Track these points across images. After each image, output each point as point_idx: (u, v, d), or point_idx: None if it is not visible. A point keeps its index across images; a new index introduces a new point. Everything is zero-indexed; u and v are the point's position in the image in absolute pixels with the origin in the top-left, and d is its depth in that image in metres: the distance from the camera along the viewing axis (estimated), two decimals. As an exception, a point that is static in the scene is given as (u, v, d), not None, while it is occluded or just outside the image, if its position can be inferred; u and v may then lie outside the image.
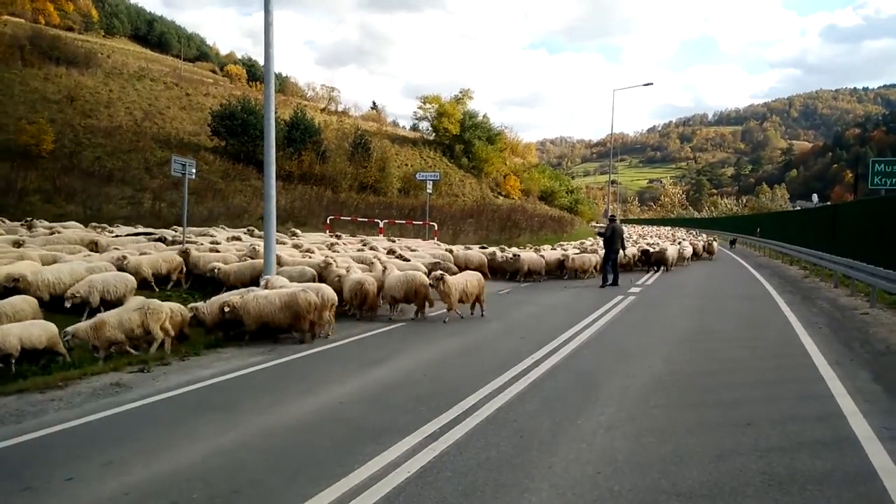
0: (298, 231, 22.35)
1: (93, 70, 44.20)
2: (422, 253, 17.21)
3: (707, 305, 13.18)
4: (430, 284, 10.68)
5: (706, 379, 6.91)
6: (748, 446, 4.80)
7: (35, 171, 26.40)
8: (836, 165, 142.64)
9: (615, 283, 16.14)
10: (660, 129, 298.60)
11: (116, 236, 16.41)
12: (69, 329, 7.42)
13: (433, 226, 28.54)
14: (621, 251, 17.06)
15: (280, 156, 31.17)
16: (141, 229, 19.23)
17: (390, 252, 16.33)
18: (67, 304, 9.25)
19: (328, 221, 28.36)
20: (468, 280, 11.16)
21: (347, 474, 4.25)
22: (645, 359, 7.88)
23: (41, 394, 6.26)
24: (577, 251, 20.86)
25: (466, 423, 5.32)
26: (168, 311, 8.13)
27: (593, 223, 67.65)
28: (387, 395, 6.22)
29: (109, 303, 9.64)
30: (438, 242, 23.62)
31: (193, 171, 14.72)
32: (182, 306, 8.74)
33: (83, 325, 7.56)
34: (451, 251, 17.90)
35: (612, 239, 16.60)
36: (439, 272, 10.86)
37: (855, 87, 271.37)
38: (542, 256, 18.57)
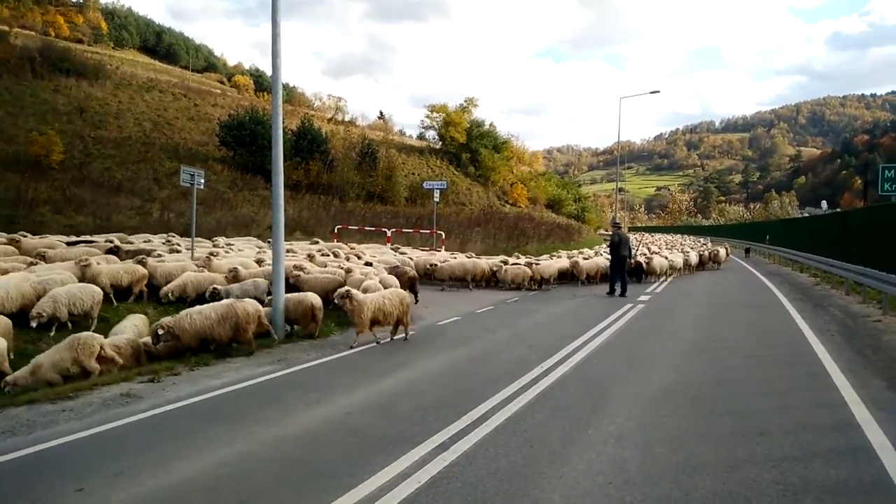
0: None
1: (102, 81, 44.63)
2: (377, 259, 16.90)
3: (717, 314, 13.10)
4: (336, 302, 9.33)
5: (717, 388, 6.85)
6: (761, 456, 4.75)
7: (45, 182, 26.62)
8: (844, 172, 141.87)
9: (623, 293, 15.68)
10: (667, 136, 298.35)
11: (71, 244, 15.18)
12: (9, 378, 7.04)
13: (440, 234, 28.55)
14: (629, 259, 16.82)
15: (287, 165, 31.33)
16: (85, 238, 18.37)
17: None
18: (33, 324, 8.87)
19: (336, 231, 28.42)
20: (387, 298, 9.55)
21: (357, 485, 4.23)
22: (654, 368, 7.83)
23: (52, 404, 6.27)
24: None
25: (476, 432, 5.29)
26: (100, 344, 7.59)
27: (601, 231, 67.57)
28: (395, 405, 6.20)
29: (77, 316, 9.54)
30: (396, 248, 23.39)
31: (202, 181, 14.79)
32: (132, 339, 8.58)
33: (21, 373, 7.14)
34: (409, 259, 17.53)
35: (619, 247, 16.28)
36: (344, 290, 9.39)
37: (863, 94, 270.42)
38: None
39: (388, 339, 9.69)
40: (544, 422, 5.61)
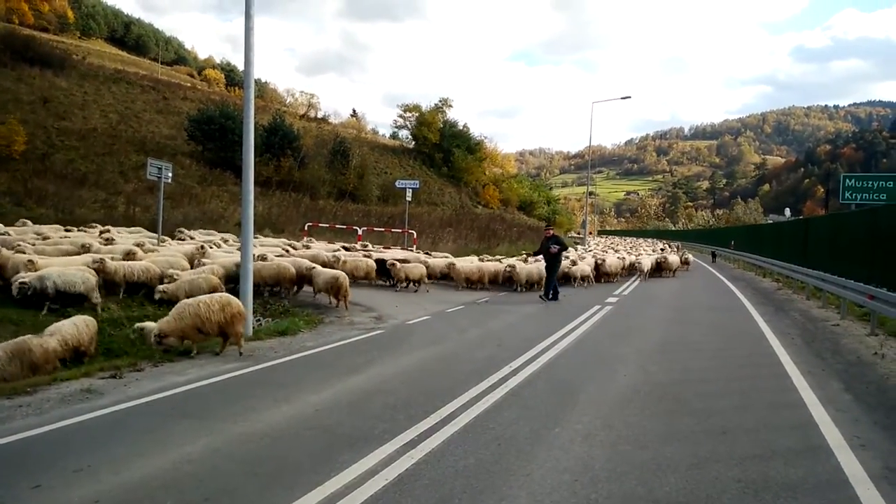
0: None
1: (67, 71, 43.57)
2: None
3: (683, 316, 13.32)
4: None
5: (682, 388, 6.97)
6: (724, 454, 4.84)
7: (5, 173, 25.88)
8: (807, 180, 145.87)
9: (548, 296, 14.87)
10: (637, 142, 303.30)
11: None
12: None
13: (412, 234, 28.52)
14: (563, 262, 16.10)
15: (258, 161, 30.92)
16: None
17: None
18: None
19: (306, 228, 28.18)
20: (202, 303, 8.28)
21: (323, 482, 4.19)
22: (621, 368, 7.93)
23: (8, 400, 6.09)
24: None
25: (444, 430, 5.29)
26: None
27: (571, 233, 68.17)
28: (364, 403, 6.17)
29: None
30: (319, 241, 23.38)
31: (170, 174, 14.56)
32: None
33: None
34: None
35: (551, 249, 15.37)
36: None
37: (826, 105, 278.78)
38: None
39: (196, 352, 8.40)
40: (512, 420, 5.64)
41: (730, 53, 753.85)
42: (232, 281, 12.12)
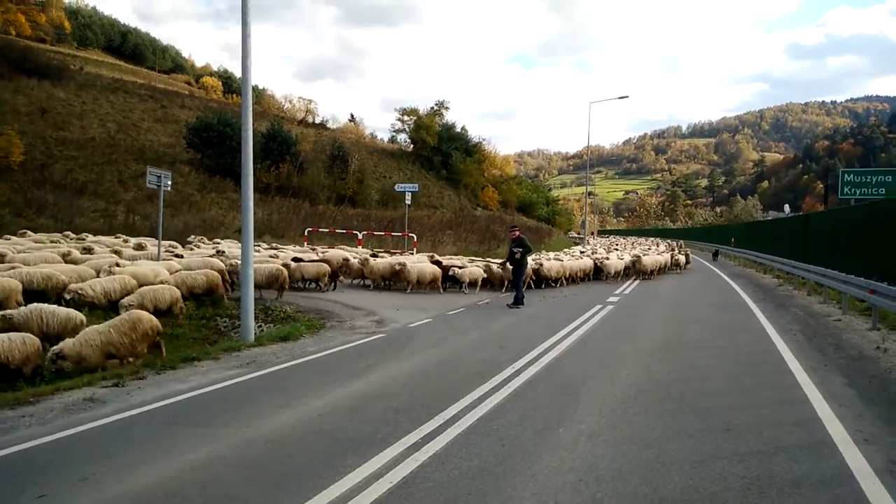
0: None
1: (65, 82, 43.65)
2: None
3: (684, 315, 13.31)
4: None
5: (685, 386, 6.96)
6: (727, 451, 4.84)
7: (4, 184, 25.93)
8: (806, 177, 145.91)
9: (520, 302, 13.92)
10: (635, 141, 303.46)
11: None
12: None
13: (412, 237, 28.52)
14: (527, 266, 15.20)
15: (257, 168, 30.97)
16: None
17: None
18: None
19: (306, 233, 28.19)
20: (113, 327, 8.14)
21: (327, 486, 4.19)
22: (624, 367, 7.92)
23: (11, 410, 6.09)
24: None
25: (448, 433, 5.29)
26: None
27: (571, 233, 68.24)
28: (367, 407, 6.16)
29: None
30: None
31: (169, 183, 14.55)
32: None
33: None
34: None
35: (519, 252, 14.49)
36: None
37: (823, 101, 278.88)
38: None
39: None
40: (516, 421, 5.64)
41: (725, 52, 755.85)
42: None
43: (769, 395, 6.64)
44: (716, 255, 37.55)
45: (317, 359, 8.61)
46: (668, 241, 48.86)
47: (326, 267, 16.36)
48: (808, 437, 5.22)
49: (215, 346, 9.94)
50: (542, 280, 18.48)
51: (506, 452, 4.85)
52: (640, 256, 21.14)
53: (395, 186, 34.12)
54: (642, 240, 61.90)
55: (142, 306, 10.42)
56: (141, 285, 11.61)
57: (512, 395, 6.52)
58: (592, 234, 67.50)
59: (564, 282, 19.20)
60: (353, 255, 19.82)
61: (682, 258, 26.64)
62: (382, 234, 30.87)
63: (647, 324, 11.79)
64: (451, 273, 16.79)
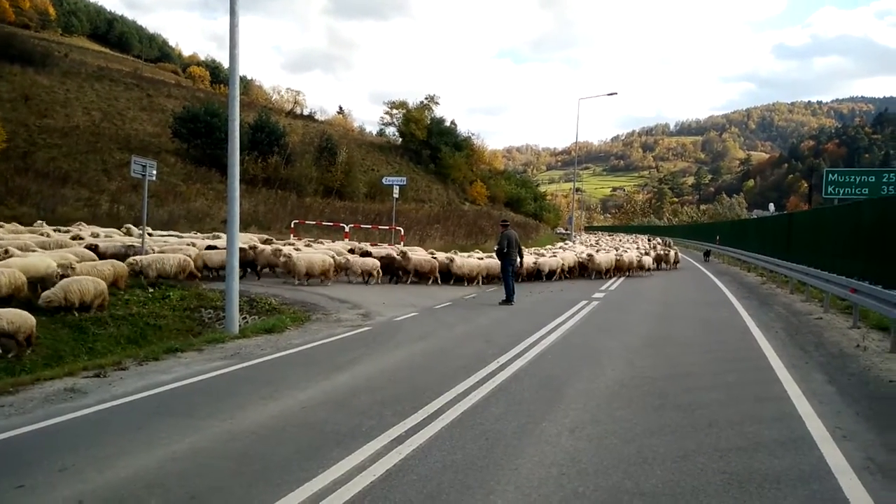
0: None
1: (49, 69, 43.01)
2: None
3: (668, 311, 13.41)
4: None
5: (668, 382, 7.01)
6: (709, 447, 4.89)
7: (-14, 172, 25.53)
8: (791, 176, 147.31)
9: (510, 299, 13.73)
10: (623, 138, 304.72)
11: None
12: None
13: (399, 230, 28.47)
14: (518, 261, 14.60)
15: (244, 159, 30.77)
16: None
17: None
18: None
19: (292, 225, 28.05)
20: None
21: (310, 479, 4.18)
22: (608, 362, 7.97)
23: (-10, 400, 6.01)
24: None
25: (432, 426, 5.29)
26: None
27: (559, 229, 68.45)
28: (351, 399, 6.15)
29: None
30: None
31: (154, 172, 14.39)
32: None
33: None
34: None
35: (509, 250, 14.17)
36: None
37: (809, 101, 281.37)
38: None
39: None
40: (500, 415, 5.65)
41: (713, 51, 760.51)
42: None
43: (751, 391, 6.71)
44: (707, 255, 34.98)
45: (301, 351, 8.58)
46: (658, 238, 48.87)
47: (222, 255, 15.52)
48: (788, 433, 5.28)
49: (199, 337, 9.90)
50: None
51: (490, 446, 4.86)
52: (592, 255, 20.70)
53: (383, 180, 34.02)
54: (633, 236, 62.11)
55: (66, 300, 10.27)
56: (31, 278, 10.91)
57: (496, 390, 6.53)
58: (580, 231, 67.76)
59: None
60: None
61: (672, 254, 26.57)
62: (370, 227, 30.79)
63: (631, 320, 11.85)
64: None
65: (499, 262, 15.35)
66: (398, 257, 16.89)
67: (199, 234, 21.78)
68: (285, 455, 4.65)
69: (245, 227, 24.50)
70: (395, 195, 28.77)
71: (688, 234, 57.14)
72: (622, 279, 20.83)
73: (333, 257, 16.47)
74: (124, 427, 5.30)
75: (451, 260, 17.61)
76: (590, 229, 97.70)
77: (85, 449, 4.76)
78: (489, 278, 17.84)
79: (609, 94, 48.81)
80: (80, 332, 10.04)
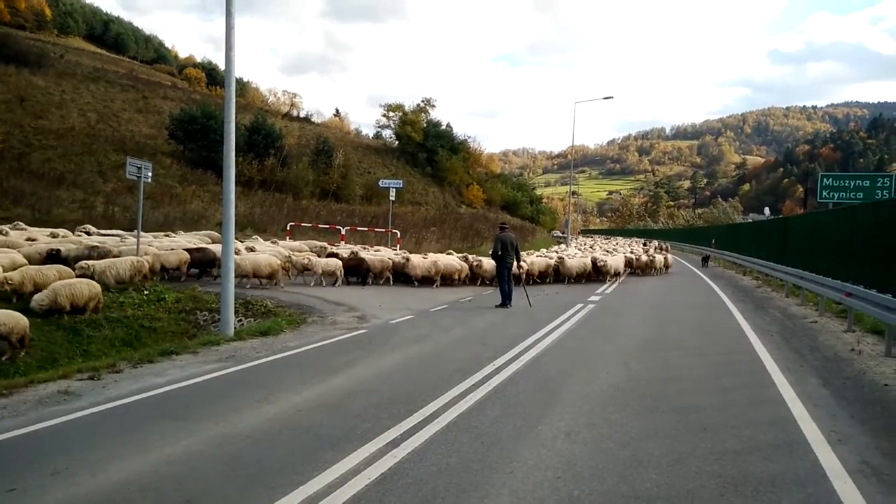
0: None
1: (45, 70, 42.87)
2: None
3: (664, 315, 13.42)
4: None
5: (663, 385, 7.02)
6: (704, 450, 4.89)
7: (-20, 173, 25.41)
8: (786, 180, 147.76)
9: (506, 302, 13.66)
10: (619, 141, 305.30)
11: None
12: None
13: (396, 233, 28.45)
14: (515, 264, 14.50)
15: (240, 161, 30.73)
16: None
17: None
18: None
19: (288, 228, 28.00)
20: None
21: (305, 482, 4.17)
22: (604, 366, 7.97)
23: (-18, 402, 5.98)
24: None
25: (427, 429, 5.28)
26: None
27: (555, 232, 68.54)
28: (346, 403, 6.14)
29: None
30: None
31: (150, 174, 14.35)
32: None
33: None
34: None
35: (504, 253, 13.93)
36: None
37: (804, 106, 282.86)
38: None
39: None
40: (496, 418, 5.65)
41: (709, 56, 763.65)
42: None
43: (746, 394, 6.71)
44: (705, 260, 32.65)
45: (297, 354, 8.56)
46: (655, 242, 48.72)
47: (186, 255, 15.44)
48: (783, 436, 5.28)
49: (194, 339, 9.87)
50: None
51: (485, 449, 4.85)
52: (563, 259, 20.42)
53: (380, 182, 33.97)
54: (631, 240, 62.05)
55: (55, 303, 10.16)
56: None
57: (492, 393, 6.52)
58: (577, 234, 67.82)
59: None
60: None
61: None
62: (366, 229, 30.75)
63: (627, 323, 11.86)
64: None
65: (453, 262, 16.49)
66: (352, 257, 16.97)
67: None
68: (280, 458, 4.64)
69: (241, 230, 24.45)
70: (392, 198, 28.74)
71: (683, 238, 57.20)
72: (618, 282, 20.85)
73: (292, 256, 16.53)
74: (118, 430, 5.28)
75: (407, 259, 17.62)
76: (586, 232, 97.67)
77: (78, 452, 4.73)
78: (473, 279, 18.06)
79: (605, 98, 48.92)
80: (75, 335, 10.02)
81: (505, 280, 13.96)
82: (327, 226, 29.62)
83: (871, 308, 10.07)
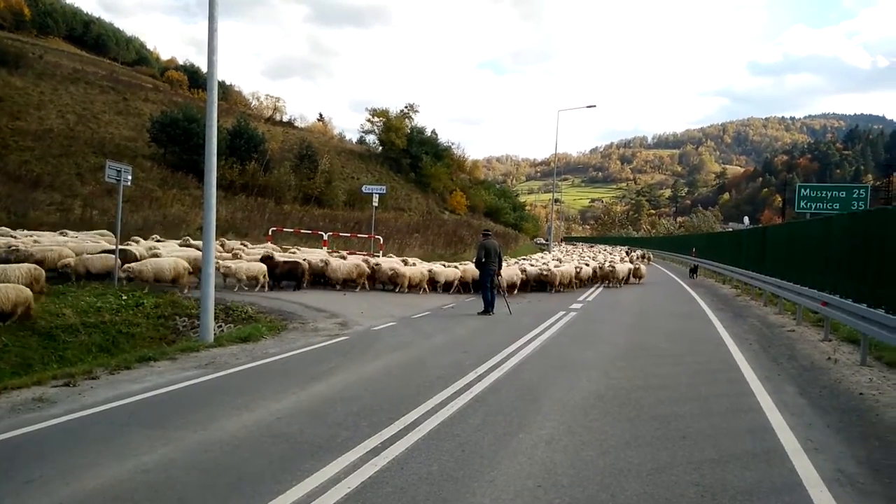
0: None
1: (23, 70, 42.28)
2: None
3: (644, 322, 13.52)
4: None
5: (643, 393, 7.06)
6: (683, 459, 4.92)
7: (-45, 174, 24.97)
8: (765, 190, 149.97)
9: (489, 309, 13.68)
10: (602, 150, 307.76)
11: None
12: None
13: (378, 239, 28.37)
14: (498, 271, 14.47)
15: (222, 165, 30.49)
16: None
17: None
18: None
19: (270, 233, 27.82)
20: None
21: (284, 491, 4.12)
22: (585, 374, 8.00)
23: (-47, 409, 5.85)
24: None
25: (408, 437, 5.26)
26: None
27: (538, 239, 68.82)
28: (327, 410, 6.09)
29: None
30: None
31: (129, 177, 14.19)
32: None
33: None
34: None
35: (487, 259, 14.03)
36: None
37: (783, 117, 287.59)
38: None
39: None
40: (477, 426, 5.64)
41: (690, 66, 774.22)
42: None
43: (725, 403, 6.78)
44: (693, 271, 31.29)
45: (277, 361, 8.49)
46: (638, 251, 49.01)
47: (112, 259, 14.75)
48: (760, 445, 5.34)
49: (173, 346, 9.76)
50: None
51: (466, 458, 4.84)
52: (525, 268, 20.44)
53: (363, 188, 33.86)
54: (614, 248, 62.35)
55: None
56: None
57: (474, 401, 6.52)
58: (559, 242, 68.16)
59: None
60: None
61: (621, 268, 22.96)
62: (349, 235, 30.64)
63: (608, 331, 11.93)
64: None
65: (376, 267, 17.31)
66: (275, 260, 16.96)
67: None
68: (259, 467, 4.59)
69: (222, 234, 24.24)
70: (375, 203, 28.66)
71: (664, 246, 57.71)
72: (600, 290, 20.98)
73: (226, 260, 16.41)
74: (94, 438, 5.19)
75: (326, 263, 17.64)
76: (569, 240, 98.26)
77: (52, 460, 4.64)
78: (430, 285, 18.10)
79: (588, 107, 49.26)
80: (50, 340, 9.86)
81: (488, 287, 13.98)
82: (309, 231, 29.48)
83: (846, 317, 10.22)
